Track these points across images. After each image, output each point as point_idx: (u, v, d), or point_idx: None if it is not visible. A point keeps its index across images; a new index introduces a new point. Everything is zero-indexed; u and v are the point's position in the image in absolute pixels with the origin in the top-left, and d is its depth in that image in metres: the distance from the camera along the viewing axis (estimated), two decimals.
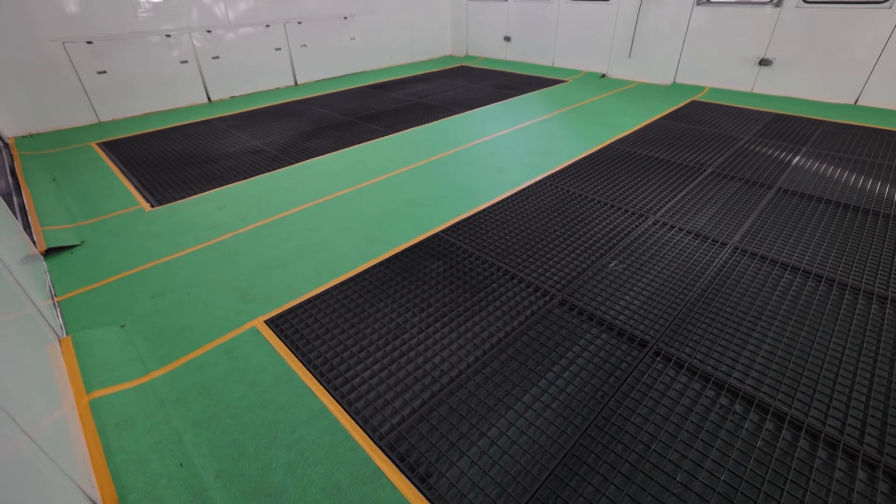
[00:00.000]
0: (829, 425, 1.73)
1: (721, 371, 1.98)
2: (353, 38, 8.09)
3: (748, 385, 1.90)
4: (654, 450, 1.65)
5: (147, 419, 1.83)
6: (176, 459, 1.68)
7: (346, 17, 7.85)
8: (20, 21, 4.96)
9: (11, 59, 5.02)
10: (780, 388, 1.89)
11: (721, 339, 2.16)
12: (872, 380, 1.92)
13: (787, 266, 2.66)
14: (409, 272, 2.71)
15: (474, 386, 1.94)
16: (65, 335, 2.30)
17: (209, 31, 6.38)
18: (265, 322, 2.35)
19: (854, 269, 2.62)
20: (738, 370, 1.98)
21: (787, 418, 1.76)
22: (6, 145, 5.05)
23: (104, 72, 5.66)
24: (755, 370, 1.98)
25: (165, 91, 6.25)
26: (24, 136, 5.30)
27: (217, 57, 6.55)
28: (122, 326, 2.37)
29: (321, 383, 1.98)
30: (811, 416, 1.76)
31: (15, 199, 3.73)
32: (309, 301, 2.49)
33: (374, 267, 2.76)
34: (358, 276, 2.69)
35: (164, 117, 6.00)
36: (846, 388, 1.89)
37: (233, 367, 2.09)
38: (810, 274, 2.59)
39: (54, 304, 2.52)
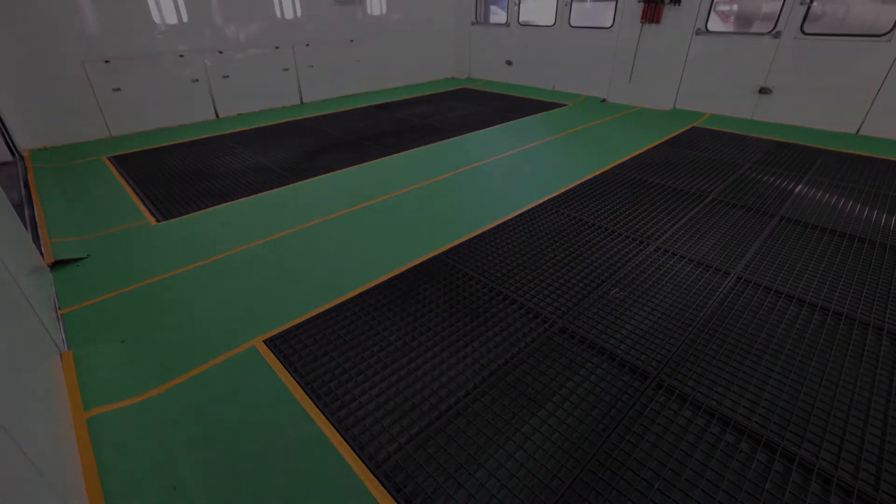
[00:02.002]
0: (841, 469, 1.67)
1: (726, 406, 1.93)
2: (359, 60, 8.30)
3: (754, 422, 1.86)
4: (657, 489, 1.61)
5: (143, 439, 1.81)
6: (170, 483, 1.65)
7: (352, 41, 8.06)
8: (43, 40, 5.13)
9: (33, 76, 5.17)
10: (788, 427, 1.84)
11: (726, 372, 2.12)
12: (886, 420, 1.86)
13: (793, 298, 2.63)
14: (408, 294, 2.70)
15: (472, 414, 1.91)
16: (66, 349, 2.29)
17: (220, 52, 6.56)
18: (264, 342, 2.34)
19: (863, 302, 2.59)
20: (744, 406, 1.94)
21: (797, 459, 1.70)
22: (21, 158, 5.15)
23: (119, 89, 5.80)
24: (762, 406, 1.94)
25: (175, 108, 6.39)
26: (38, 149, 5.40)
27: (227, 76, 6.72)
28: (122, 342, 2.36)
29: (318, 407, 1.95)
30: (822, 459, 1.71)
31: (26, 210, 3.78)
32: (309, 321, 2.48)
33: (374, 288, 2.76)
34: (358, 296, 2.68)
35: (172, 133, 6.11)
36: (858, 428, 1.83)
37: (230, 387, 2.07)
38: (817, 307, 2.55)
39: (58, 318, 2.52)
